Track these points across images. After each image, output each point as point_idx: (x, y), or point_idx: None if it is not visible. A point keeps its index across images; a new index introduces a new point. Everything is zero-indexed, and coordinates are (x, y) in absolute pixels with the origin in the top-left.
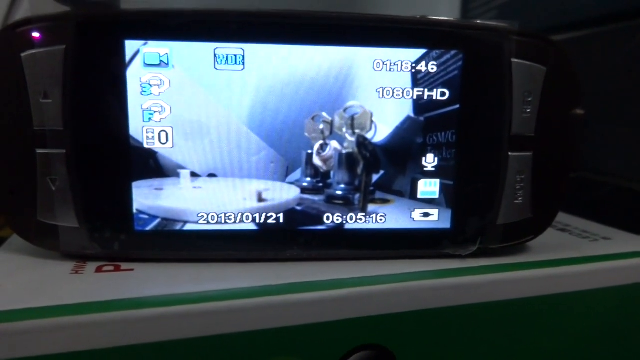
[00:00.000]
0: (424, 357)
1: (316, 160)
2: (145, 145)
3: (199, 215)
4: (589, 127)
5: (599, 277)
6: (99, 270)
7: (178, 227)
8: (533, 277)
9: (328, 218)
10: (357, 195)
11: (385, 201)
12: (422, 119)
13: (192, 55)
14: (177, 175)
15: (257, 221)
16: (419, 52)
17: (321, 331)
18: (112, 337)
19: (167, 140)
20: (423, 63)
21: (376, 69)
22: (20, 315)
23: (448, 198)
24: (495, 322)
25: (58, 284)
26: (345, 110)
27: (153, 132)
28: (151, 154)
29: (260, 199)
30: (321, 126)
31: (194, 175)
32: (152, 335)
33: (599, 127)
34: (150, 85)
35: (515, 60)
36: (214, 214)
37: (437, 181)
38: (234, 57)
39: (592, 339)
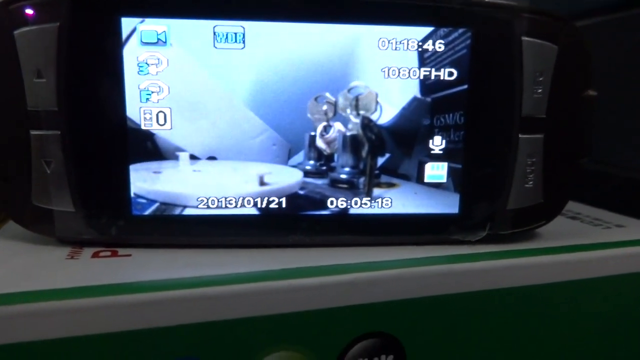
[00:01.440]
0: (431, 344)
1: (319, 143)
2: (143, 127)
3: (199, 199)
4: (601, 118)
5: (614, 263)
6: (95, 255)
7: (177, 211)
8: (545, 264)
9: (332, 202)
10: (362, 179)
11: (390, 185)
12: (429, 99)
13: (190, 33)
14: (176, 157)
15: (259, 206)
16: (425, 30)
17: (325, 318)
18: (108, 322)
19: (165, 121)
20: (430, 41)
21: (381, 47)
22: (14, 298)
23: (456, 182)
24: (505, 310)
25: (53, 269)
26: (349, 91)
27: (151, 113)
28: (149, 136)
29: (262, 183)
30: (324, 107)
31: (193, 157)
32: (149, 320)
33: (612, 118)
34: (148, 65)
35: (526, 38)
36: (214, 198)
37: (445, 164)
38: (234, 35)
39: (606, 326)
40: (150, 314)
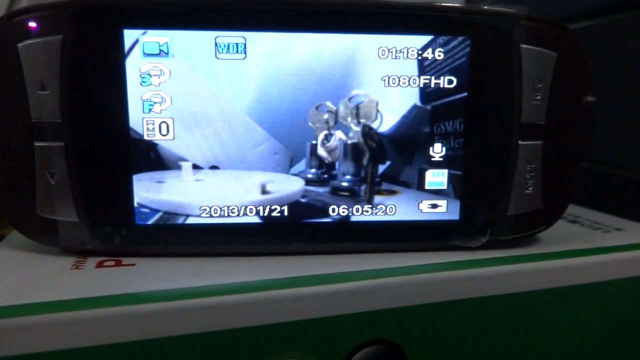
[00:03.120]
0: (433, 351)
1: (321, 151)
2: (146, 137)
3: (202, 208)
4: (600, 119)
5: (613, 268)
6: (99, 265)
7: (180, 220)
8: (545, 269)
9: (333, 210)
10: (363, 187)
11: (392, 192)
12: (429, 107)
13: (192, 44)
14: (179, 167)
15: (261, 214)
16: (425, 39)
17: (328, 326)
18: (113, 333)
19: (167, 131)
20: (429, 50)
21: (381, 56)
22: (20, 311)
23: (456, 189)
24: (506, 315)
25: (58, 279)
26: (350, 99)
27: (153, 124)
28: (152, 146)
29: (264, 191)
30: (325, 116)
31: (195, 167)
32: (154, 331)
33: (609, 119)
34: (150, 76)
35: (525, 45)
36: (217, 207)
37: (445, 171)
38: (235, 45)
39: (606, 331)
40: (156, 324)
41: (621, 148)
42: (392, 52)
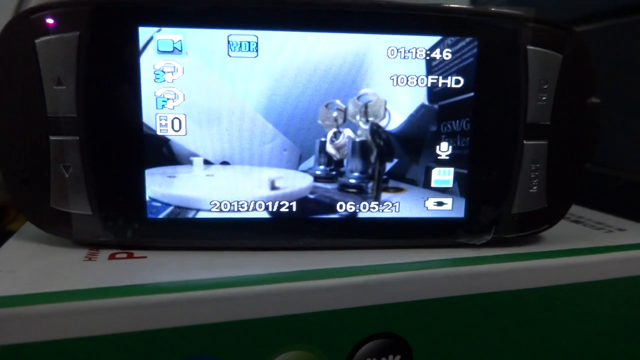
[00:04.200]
0: (437, 345)
1: (329, 148)
2: (159, 133)
3: (212, 203)
4: (603, 121)
5: (615, 267)
6: (112, 257)
7: (191, 215)
8: (549, 267)
9: (341, 207)
10: (371, 184)
11: (398, 190)
12: (436, 106)
13: (205, 42)
14: (190, 162)
15: (270, 209)
16: (433, 39)
17: (335, 319)
18: (126, 322)
19: (180, 127)
20: (438, 50)
21: (390, 56)
22: (33, 299)
23: (462, 187)
24: (510, 312)
25: (71, 270)
26: (359, 98)
27: (166, 119)
28: (164, 142)
29: (273, 187)
30: (335, 114)
31: (206, 162)
32: (165, 321)
33: (613, 121)
34: (164, 72)
35: (531, 47)
36: (227, 202)
37: (451, 170)
38: (247, 44)
39: (608, 329)
40: (167, 314)
41: (624, 150)
42: (400, 52)
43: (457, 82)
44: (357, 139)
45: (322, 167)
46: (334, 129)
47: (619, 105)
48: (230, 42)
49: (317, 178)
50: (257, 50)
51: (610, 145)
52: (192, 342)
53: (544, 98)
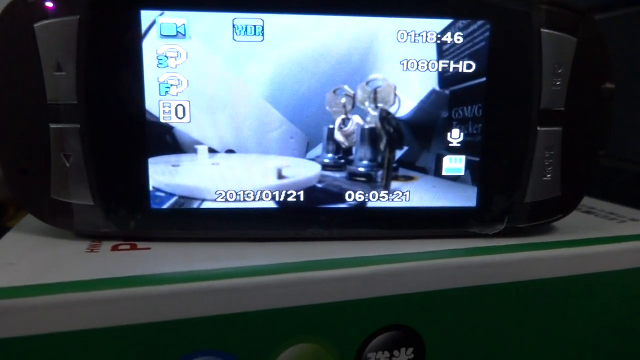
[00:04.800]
0: (450, 337)
1: (338, 136)
2: (162, 120)
3: (217, 192)
4: (614, 112)
5: (630, 256)
6: (114, 248)
7: (195, 205)
8: (562, 257)
9: (350, 196)
10: (380, 172)
11: (408, 178)
12: (447, 92)
13: (209, 26)
14: (195, 151)
15: (277, 199)
16: (444, 23)
17: (344, 311)
18: (130, 313)
19: (184, 114)
20: (449, 34)
21: (400, 40)
22: (35, 290)
23: (474, 175)
24: (522, 302)
25: (73, 262)
26: (367, 83)
27: (170, 106)
28: (167, 129)
29: (280, 176)
30: (343, 100)
31: (211, 151)
32: (170, 312)
33: (624, 113)
34: (167, 57)
35: (545, 30)
36: (233, 192)
37: (463, 157)
38: (253, 27)
39: (621, 319)
40: (172, 306)
41: (635, 142)
42: (410, 35)
43: (469, 66)
44: (366, 126)
45: (330, 155)
46: (342, 116)
47: (629, 97)
48: (236, 26)
49: (325, 166)
50: (263, 34)
51: (620, 137)
52: (198, 335)
53: (558, 83)
